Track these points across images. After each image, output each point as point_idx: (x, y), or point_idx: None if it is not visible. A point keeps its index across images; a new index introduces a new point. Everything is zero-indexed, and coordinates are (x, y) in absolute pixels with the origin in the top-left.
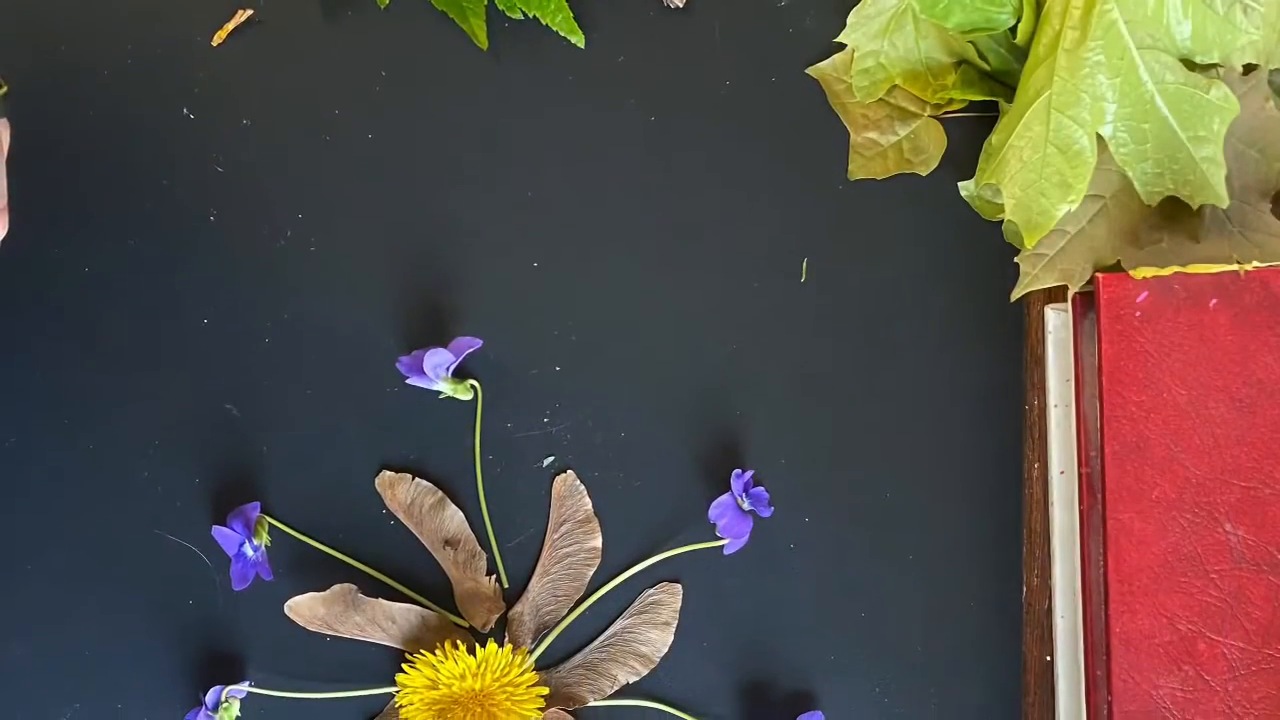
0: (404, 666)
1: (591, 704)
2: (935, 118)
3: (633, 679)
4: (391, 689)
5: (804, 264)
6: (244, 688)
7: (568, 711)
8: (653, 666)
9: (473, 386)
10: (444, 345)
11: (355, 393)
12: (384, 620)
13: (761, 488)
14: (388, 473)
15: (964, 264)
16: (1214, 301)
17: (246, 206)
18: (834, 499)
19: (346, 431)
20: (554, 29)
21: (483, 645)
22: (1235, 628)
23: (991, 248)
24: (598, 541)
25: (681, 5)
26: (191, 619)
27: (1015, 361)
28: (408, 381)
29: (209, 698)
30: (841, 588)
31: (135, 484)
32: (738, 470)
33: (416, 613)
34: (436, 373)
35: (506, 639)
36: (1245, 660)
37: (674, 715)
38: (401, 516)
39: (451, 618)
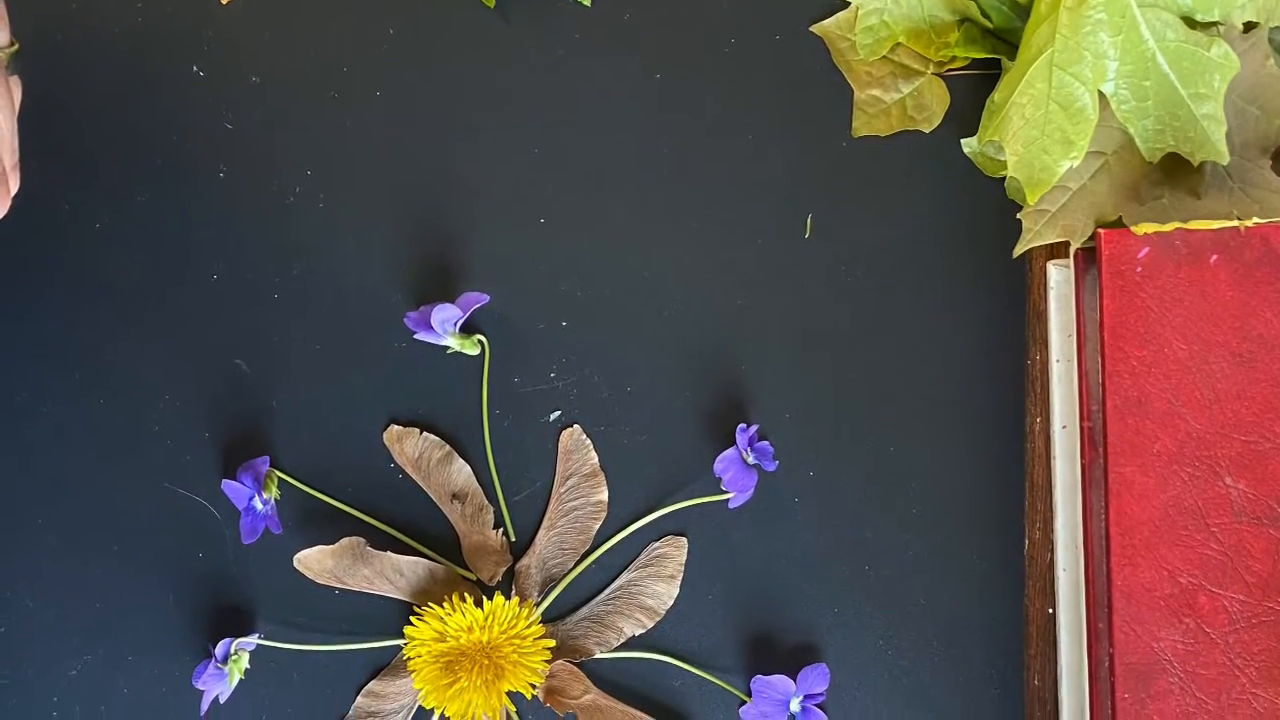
0: (412, 619)
1: (597, 656)
2: (938, 75)
3: (638, 631)
4: (399, 641)
5: (808, 220)
6: (253, 640)
7: (574, 664)
8: (658, 619)
9: (480, 341)
10: (451, 301)
11: (363, 348)
12: (392, 573)
13: (766, 442)
14: (395, 427)
15: (966, 220)
16: (1214, 257)
17: (256, 163)
18: (838, 453)
19: (355, 386)
20: None
21: (490, 598)
22: (1236, 581)
23: (994, 204)
24: (604, 495)
25: None
26: (201, 572)
27: (1017, 317)
28: (415, 337)
29: (219, 650)
30: (845, 541)
31: (145, 438)
32: (742, 425)
33: (424, 566)
34: (444, 328)
35: (513, 592)
36: (1246, 613)
37: (679, 667)
38: (409, 470)
39: (459, 571)
